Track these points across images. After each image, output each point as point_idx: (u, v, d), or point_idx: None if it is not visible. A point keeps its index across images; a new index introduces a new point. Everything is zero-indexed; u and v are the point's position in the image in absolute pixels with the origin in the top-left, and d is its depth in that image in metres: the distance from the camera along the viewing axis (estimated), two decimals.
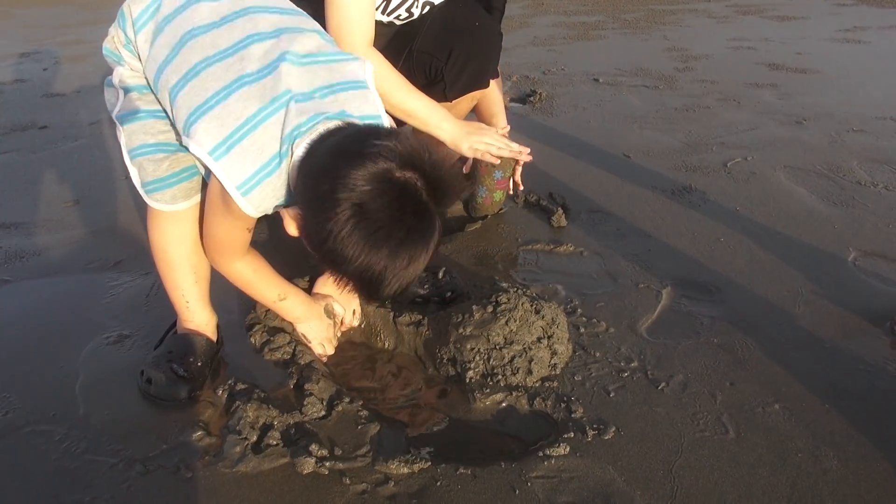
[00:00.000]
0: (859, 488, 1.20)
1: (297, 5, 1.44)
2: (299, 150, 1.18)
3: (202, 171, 1.42)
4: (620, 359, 1.55)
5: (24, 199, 2.53)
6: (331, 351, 1.64)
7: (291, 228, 1.19)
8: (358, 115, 1.25)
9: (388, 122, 1.33)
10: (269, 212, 1.27)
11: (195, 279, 1.53)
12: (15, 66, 4.69)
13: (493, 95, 2.11)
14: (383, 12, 1.81)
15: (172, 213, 1.46)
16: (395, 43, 1.89)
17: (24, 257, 2.10)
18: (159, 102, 1.38)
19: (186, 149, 1.26)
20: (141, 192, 1.44)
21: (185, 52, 1.27)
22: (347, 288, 1.15)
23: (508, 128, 2.03)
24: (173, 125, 1.37)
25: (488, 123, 2.15)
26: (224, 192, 1.23)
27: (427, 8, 1.88)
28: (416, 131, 1.85)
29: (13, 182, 2.69)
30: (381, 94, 1.35)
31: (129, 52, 1.39)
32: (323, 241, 1.08)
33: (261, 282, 1.52)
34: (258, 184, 1.20)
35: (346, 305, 1.68)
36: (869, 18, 5.13)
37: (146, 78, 1.38)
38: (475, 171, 2.11)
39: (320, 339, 1.63)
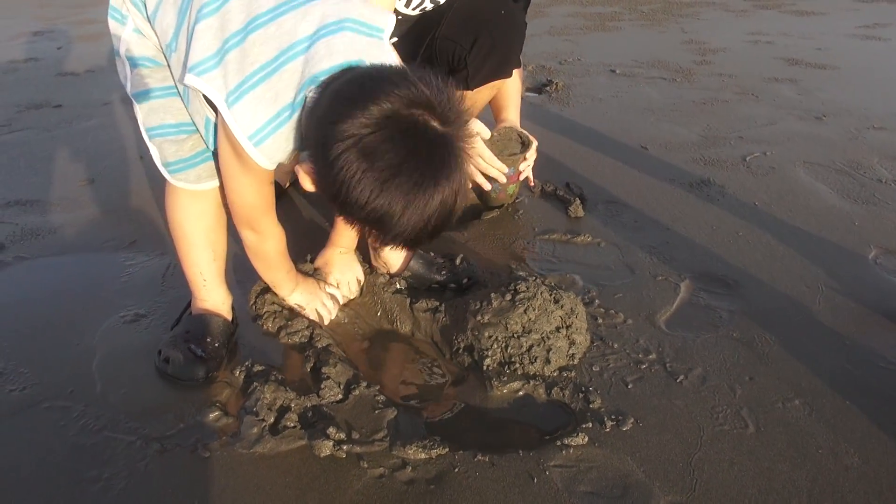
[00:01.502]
0: (880, 485, 1.19)
1: None
2: (311, 96, 1.14)
3: (204, 129, 1.35)
4: (639, 350, 1.54)
5: (40, 177, 2.53)
6: (325, 315, 1.64)
7: (307, 184, 1.16)
8: (363, 23, 1.19)
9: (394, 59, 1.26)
10: (285, 161, 1.24)
11: (213, 256, 1.53)
12: (29, 45, 4.68)
13: (511, 87, 2.09)
14: (406, 5, 1.79)
15: (194, 190, 1.44)
16: (418, 29, 1.87)
17: (40, 235, 2.10)
18: (169, 68, 1.34)
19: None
20: (163, 171, 1.43)
21: None
22: (367, 235, 1.13)
23: (535, 143, 2.04)
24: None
25: (498, 115, 2.14)
26: (236, 145, 1.20)
27: None
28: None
29: (28, 160, 2.69)
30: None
31: (136, 9, 1.33)
32: (335, 190, 1.05)
33: (284, 253, 1.54)
34: (270, 134, 1.17)
35: (345, 275, 1.71)
36: (889, 15, 5.07)
37: (153, 29, 1.32)
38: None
39: (314, 304, 1.64)
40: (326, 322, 1.64)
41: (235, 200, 1.36)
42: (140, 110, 1.40)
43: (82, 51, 4.46)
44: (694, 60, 3.91)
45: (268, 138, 1.17)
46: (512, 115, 2.12)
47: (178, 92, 1.37)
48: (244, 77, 1.16)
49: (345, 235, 1.69)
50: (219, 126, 1.27)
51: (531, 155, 2.05)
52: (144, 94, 1.38)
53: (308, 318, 1.63)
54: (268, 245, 1.47)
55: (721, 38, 4.43)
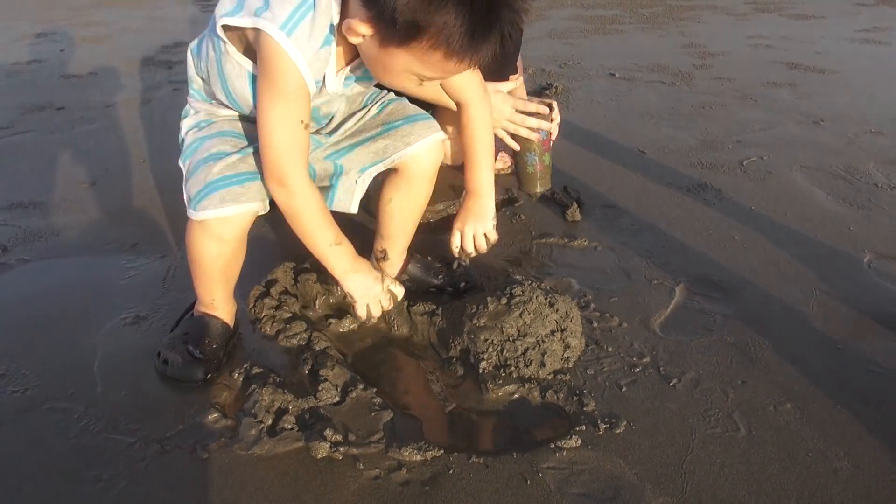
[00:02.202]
0: (869, 489, 1.21)
1: None
2: None
3: (249, 88, 1.40)
4: (633, 354, 1.55)
5: (42, 179, 2.55)
6: (376, 313, 1.54)
7: (362, 28, 1.21)
8: None
9: None
10: (317, 73, 1.32)
11: (226, 283, 1.56)
12: (32, 47, 4.70)
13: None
14: None
15: (214, 230, 1.41)
16: None
17: (42, 237, 2.12)
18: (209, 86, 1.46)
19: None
20: (189, 212, 1.42)
21: None
22: (438, 56, 1.19)
23: (555, 103, 2.00)
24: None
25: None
26: (269, 64, 1.26)
27: None
28: None
29: (31, 162, 2.71)
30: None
31: (193, 97, 1.52)
32: (392, 6, 1.13)
33: (322, 219, 1.40)
34: (299, 21, 1.24)
35: (477, 226, 1.69)
36: (889, 19, 5.08)
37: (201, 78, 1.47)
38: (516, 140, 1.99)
39: (368, 297, 1.51)
40: (369, 318, 1.56)
41: (266, 144, 1.33)
42: (186, 168, 1.48)
43: (85, 53, 4.49)
44: (694, 64, 3.93)
45: (298, 26, 1.24)
46: (519, 91, 2.13)
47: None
48: None
49: (482, 180, 1.63)
50: (257, 58, 1.31)
51: (556, 115, 1.97)
52: (190, 147, 1.48)
53: (355, 313, 1.54)
54: (297, 202, 1.37)
55: (721, 42, 4.44)
